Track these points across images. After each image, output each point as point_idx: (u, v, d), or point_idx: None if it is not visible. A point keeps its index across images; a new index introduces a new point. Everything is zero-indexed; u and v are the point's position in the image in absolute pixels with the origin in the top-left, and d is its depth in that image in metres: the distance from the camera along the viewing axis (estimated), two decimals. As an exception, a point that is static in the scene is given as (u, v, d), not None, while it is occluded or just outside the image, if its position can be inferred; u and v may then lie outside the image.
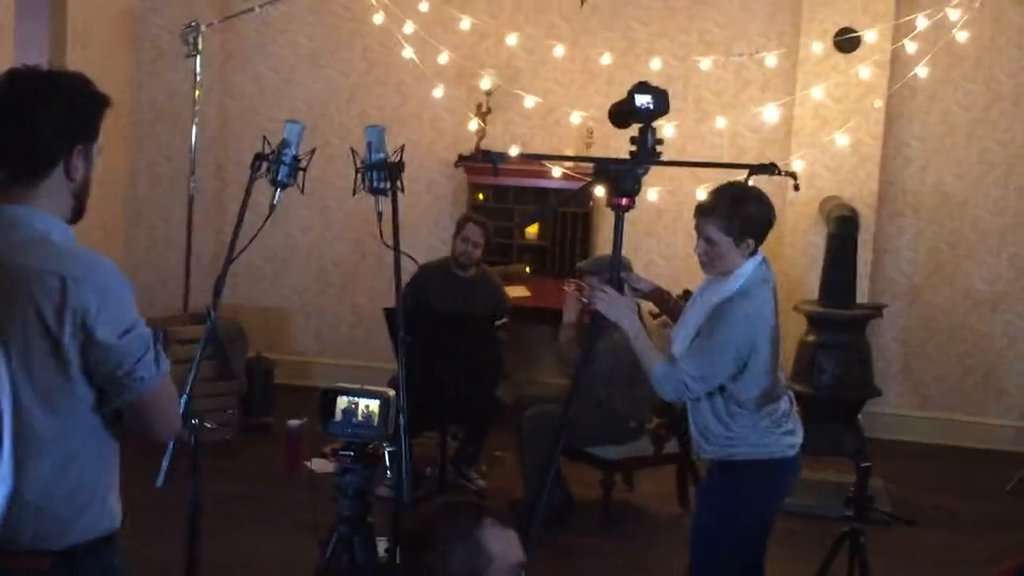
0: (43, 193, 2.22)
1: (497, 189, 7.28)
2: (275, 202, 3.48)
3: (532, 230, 7.35)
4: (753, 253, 3.54)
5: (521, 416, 5.62)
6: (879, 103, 6.81)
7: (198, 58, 6.93)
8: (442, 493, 5.59)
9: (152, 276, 7.93)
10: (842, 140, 6.78)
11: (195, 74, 7.02)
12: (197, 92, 7.07)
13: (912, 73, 6.69)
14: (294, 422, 6.11)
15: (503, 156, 4.21)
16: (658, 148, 3.98)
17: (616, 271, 4.26)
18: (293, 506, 5.57)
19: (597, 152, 7.06)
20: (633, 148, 3.97)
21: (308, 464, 6.12)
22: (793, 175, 4.06)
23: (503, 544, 2.14)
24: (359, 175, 3.47)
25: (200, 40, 6.83)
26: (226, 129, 7.77)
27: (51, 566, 2.17)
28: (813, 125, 6.94)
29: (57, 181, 2.23)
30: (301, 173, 3.49)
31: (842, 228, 6.11)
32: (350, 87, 7.63)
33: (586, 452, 5.48)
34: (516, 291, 6.74)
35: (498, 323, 5.69)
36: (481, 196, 7.29)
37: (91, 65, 7.20)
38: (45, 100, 2.20)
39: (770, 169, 3.98)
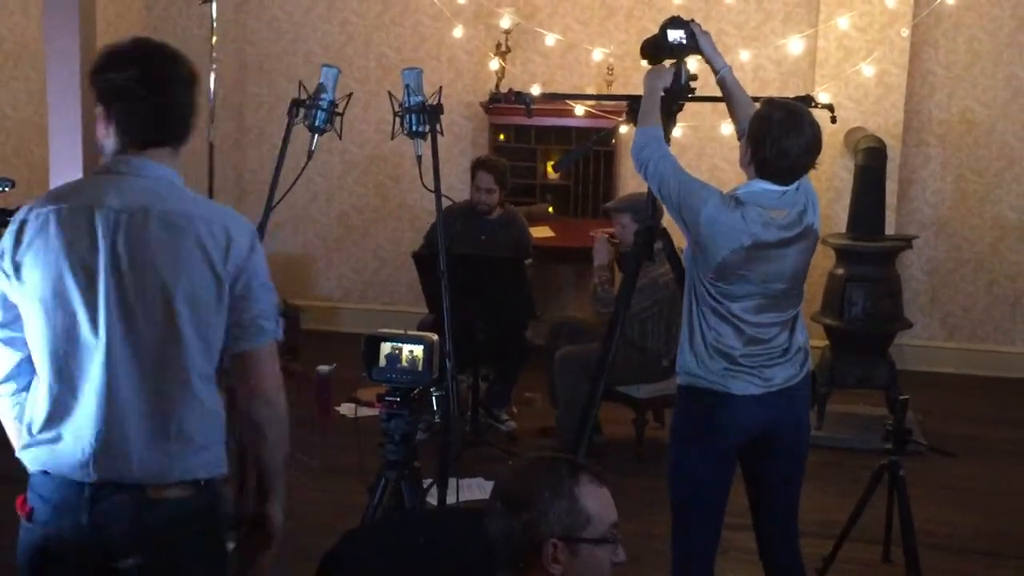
0: (175, 159, 2.42)
1: (519, 129, 7.21)
2: (312, 148, 3.45)
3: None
4: (760, 171, 3.32)
5: (551, 357, 5.62)
6: (905, 32, 6.71)
7: (214, 3, 6.85)
8: (474, 436, 5.61)
9: (173, 225, 7.92)
10: (868, 70, 6.69)
11: (211, 20, 6.95)
12: (214, 38, 7.01)
13: (939, 0, 6.58)
14: (323, 368, 6.12)
15: (530, 96, 4.19)
16: (692, 84, 3.96)
17: (653, 215, 4.26)
18: (326, 451, 5.61)
19: (618, 90, 7.00)
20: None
21: (338, 409, 6.15)
22: (830, 107, 4.02)
23: (599, 503, 2.12)
24: (397, 118, 3.43)
25: (215, -15, 6.75)
26: (243, 75, 7.71)
27: (193, 495, 2.36)
28: (837, 56, 6.86)
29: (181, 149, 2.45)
30: (338, 118, 3.45)
31: (870, 159, 6.05)
32: (366, 29, 7.55)
33: (617, 391, 5.47)
34: (540, 231, 6.71)
35: (526, 263, 5.66)
36: (503, 137, 7.24)
37: (105, 12, 7.16)
38: (190, 77, 2.42)
39: (806, 101, 3.94)
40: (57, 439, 2.32)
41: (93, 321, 2.30)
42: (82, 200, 2.34)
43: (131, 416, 2.31)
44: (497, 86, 7.09)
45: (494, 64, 7.11)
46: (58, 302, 2.31)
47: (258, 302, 2.39)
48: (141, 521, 2.31)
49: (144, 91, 2.34)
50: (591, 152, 6.81)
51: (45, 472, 2.34)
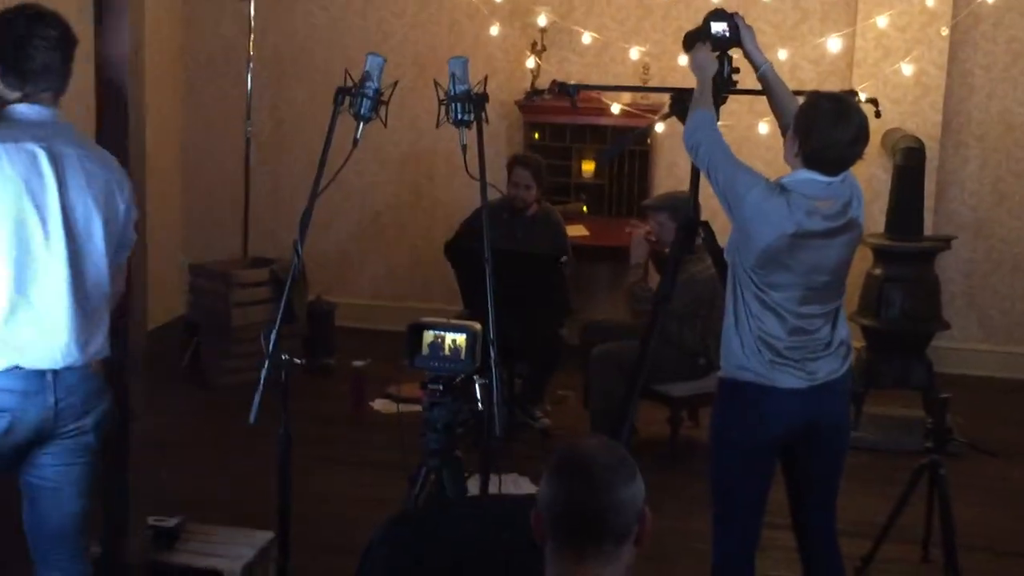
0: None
1: (554, 128, 7.20)
2: (357, 136, 3.45)
3: (589, 168, 7.28)
4: (807, 162, 3.30)
5: (587, 355, 5.61)
6: (945, 31, 6.67)
7: (251, 1, 6.90)
8: (508, 432, 5.59)
9: (209, 220, 7.95)
10: (907, 70, 6.65)
11: (249, 17, 6.99)
12: (251, 36, 7.04)
13: (979, 1, 6.53)
14: (358, 363, 6.14)
15: (575, 87, 4.21)
16: (735, 77, 3.95)
17: (695, 208, 4.25)
18: (361, 445, 5.64)
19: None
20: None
21: (372, 405, 6.17)
22: (874, 101, 4.00)
23: None
24: (442, 107, 3.44)
25: (253, -19, 6.80)
26: (279, 72, 7.73)
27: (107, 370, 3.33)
28: (876, 55, 6.82)
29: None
30: (383, 107, 3.46)
31: (909, 159, 6.01)
32: (403, 27, 7.55)
33: (652, 389, 5.44)
34: (575, 230, 6.70)
35: (561, 260, 5.64)
36: (537, 136, 7.22)
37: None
38: (69, 34, 3.06)
39: (849, 96, 3.92)
40: (24, 337, 2.94)
41: (48, 241, 2.94)
42: (18, 140, 2.91)
43: (79, 312, 3.01)
44: (533, 84, 7.09)
45: (530, 62, 7.10)
46: (17, 227, 2.90)
47: (133, 224, 3.21)
48: (88, 392, 3.08)
49: (43, 47, 2.96)
50: (626, 150, 6.79)
51: (14, 367, 2.95)
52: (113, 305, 3.22)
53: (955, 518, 4.08)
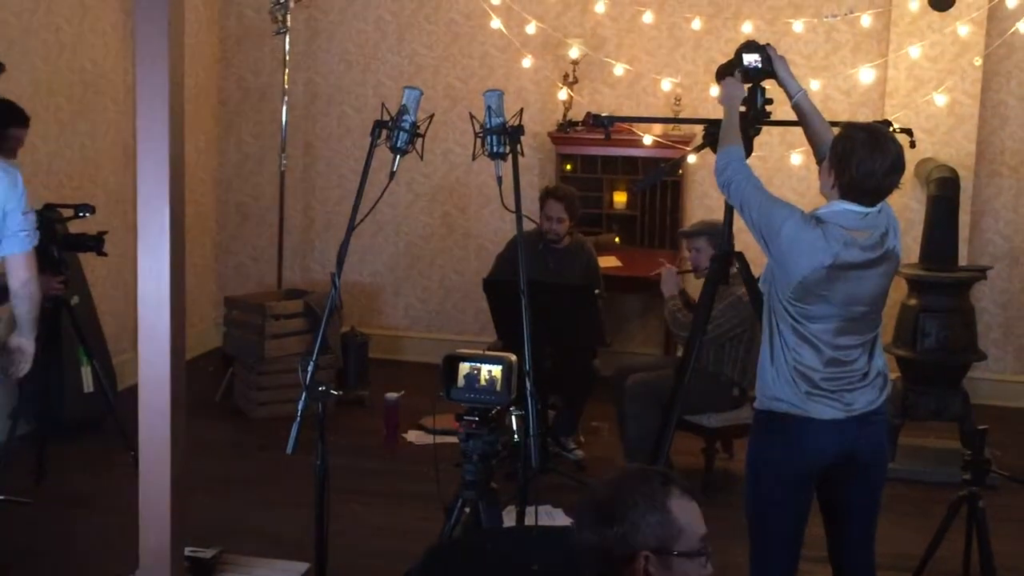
0: None
1: (586, 159, 7.23)
2: (394, 169, 3.49)
3: (621, 199, 7.30)
4: (844, 193, 3.29)
5: (621, 386, 5.60)
6: (978, 61, 6.66)
7: (287, 36, 6.97)
8: (542, 463, 5.59)
9: (243, 252, 8.02)
10: (940, 100, 6.64)
11: (284, 53, 7.07)
12: (286, 70, 7.12)
13: (1013, 29, 6.52)
14: (391, 395, 6.16)
15: (609, 119, 4.23)
16: (768, 108, 3.96)
17: (729, 242, 4.25)
18: (395, 477, 5.64)
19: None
20: (742, 108, 3.94)
21: (405, 436, 6.17)
22: (908, 131, 3.99)
23: (690, 515, 2.11)
24: (478, 139, 3.47)
25: (288, 17, 6.87)
26: (313, 106, 7.81)
27: None
28: (908, 86, 6.81)
29: None
30: (419, 139, 3.49)
31: (944, 189, 5.99)
32: (435, 61, 7.61)
33: (685, 420, 5.43)
34: (607, 261, 6.71)
35: (596, 292, 5.65)
36: (569, 167, 7.25)
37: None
38: None
39: (884, 126, 3.91)
40: None
41: None
42: None
43: None
44: (565, 116, 7.13)
45: (562, 94, 7.15)
46: None
47: (16, 222, 3.80)
48: None
49: None
50: (660, 181, 6.81)
51: None
52: (27, 294, 3.83)
53: (994, 551, 4.03)
